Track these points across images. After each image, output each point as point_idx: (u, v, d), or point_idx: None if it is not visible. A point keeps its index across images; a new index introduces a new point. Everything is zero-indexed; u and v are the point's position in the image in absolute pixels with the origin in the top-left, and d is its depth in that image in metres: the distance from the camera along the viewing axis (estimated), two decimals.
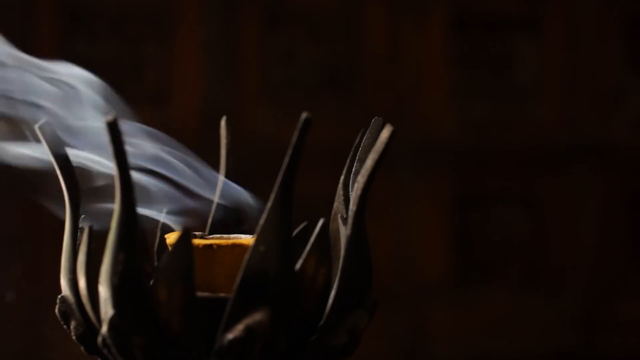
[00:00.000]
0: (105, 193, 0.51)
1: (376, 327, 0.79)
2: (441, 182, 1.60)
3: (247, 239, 0.53)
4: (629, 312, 1.64)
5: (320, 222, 0.50)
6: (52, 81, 0.56)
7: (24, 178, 0.58)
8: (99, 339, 0.49)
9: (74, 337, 0.53)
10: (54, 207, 0.55)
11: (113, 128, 0.47)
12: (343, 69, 1.57)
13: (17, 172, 0.57)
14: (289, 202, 0.48)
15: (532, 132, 1.62)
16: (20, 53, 0.56)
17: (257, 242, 0.48)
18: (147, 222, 0.55)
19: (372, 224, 0.56)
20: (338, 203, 0.55)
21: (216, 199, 0.58)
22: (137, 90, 1.50)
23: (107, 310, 0.48)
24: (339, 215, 0.54)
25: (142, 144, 0.56)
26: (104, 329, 0.48)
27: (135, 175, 0.50)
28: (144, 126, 0.57)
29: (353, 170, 0.54)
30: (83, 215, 0.53)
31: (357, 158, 0.54)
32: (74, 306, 0.52)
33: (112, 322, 0.48)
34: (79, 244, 0.52)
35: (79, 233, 0.53)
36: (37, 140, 0.54)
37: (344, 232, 0.52)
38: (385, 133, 0.50)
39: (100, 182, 0.55)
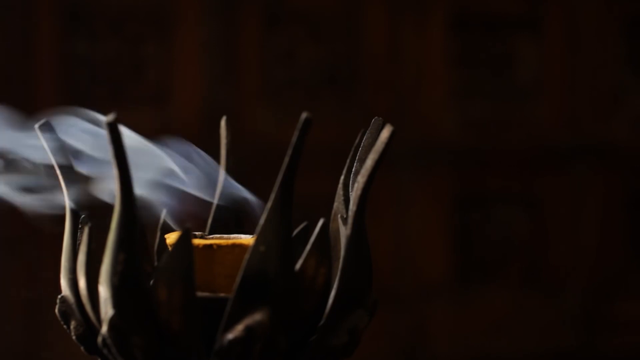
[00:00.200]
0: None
1: (376, 327, 0.79)
2: (441, 182, 1.60)
3: (247, 239, 0.53)
4: (629, 312, 1.64)
5: (320, 222, 0.50)
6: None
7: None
8: (99, 339, 0.49)
9: (74, 337, 0.53)
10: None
11: (113, 128, 0.47)
12: (343, 69, 1.57)
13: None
14: (289, 202, 0.48)
15: (532, 132, 1.62)
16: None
17: (257, 242, 0.48)
18: (147, 222, 0.55)
19: (372, 224, 0.56)
20: (338, 203, 0.55)
21: (216, 199, 0.58)
22: (137, 90, 1.50)
23: (107, 310, 0.48)
24: (339, 215, 0.54)
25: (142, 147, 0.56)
26: (104, 329, 0.48)
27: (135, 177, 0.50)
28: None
29: (353, 170, 0.54)
30: (83, 215, 0.53)
31: (357, 158, 0.54)
32: (74, 306, 0.52)
33: (112, 322, 0.48)
34: (79, 244, 0.52)
35: (79, 233, 0.53)
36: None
37: (344, 232, 0.52)
38: (385, 133, 0.50)
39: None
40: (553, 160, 1.63)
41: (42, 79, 1.46)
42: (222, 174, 0.59)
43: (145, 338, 0.48)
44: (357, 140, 0.55)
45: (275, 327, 0.48)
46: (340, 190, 0.55)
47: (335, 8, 1.57)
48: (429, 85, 1.59)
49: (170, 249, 0.50)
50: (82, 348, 0.53)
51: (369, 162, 0.50)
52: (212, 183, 0.58)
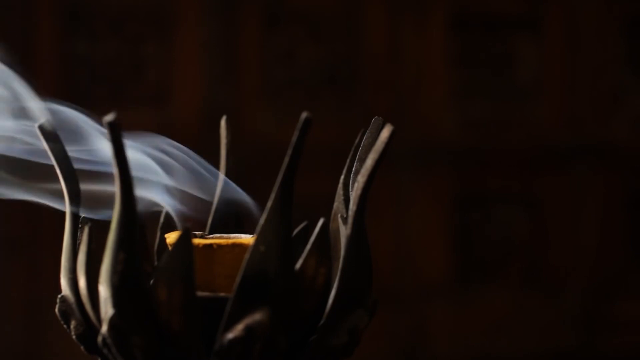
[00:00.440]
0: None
1: (376, 327, 0.79)
2: (441, 182, 1.60)
3: (247, 239, 0.53)
4: (629, 312, 1.64)
5: (320, 222, 0.50)
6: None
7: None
8: (99, 339, 0.49)
9: (74, 337, 0.53)
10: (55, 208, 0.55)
11: (113, 128, 0.47)
12: (343, 69, 1.57)
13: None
14: (289, 202, 0.48)
15: (532, 132, 1.62)
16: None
17: (257, 242, 0.48)
18: (147, 222, 0.55)
19: (372, 224, 0.56)
20: (338, 203, 0.55)
21: (216, 199, 0.58)
22: (137, 90, 1.50)
23: (107, 309, 0.48)
24: (339, 215, 0.54)
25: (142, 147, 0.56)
26: (104, 328, 0.48)
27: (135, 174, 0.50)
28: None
29: (353, 170, 0.54)
30: (83, 215, 0.53)
31: (357, 158, 0.54)
32: (74, 306, 0.52)
33: (112, 322, 0.48)
34: (79, 244, 0.52)
35: (79, 233, 0.53)
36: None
37: (344, 232, 0.52)
38: (385, 133, 0.50)
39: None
40: (553, 160, 1.63)
41: (42, 79, 1.46)
42: (221, 174, 0.59)
43: (145, 338, 0.48)
44: (357, 140, 0.55)
45: (275, 327, 0.48)
46: (340, 190, 0.55)
47: (335, 8, 1.57)
48: (429, 85, 1.59)
49: (170, 248, 0.50)
50: (82, 347, 0.53)
51: (369, 161, 0.50)
52: (211, 183, 0.58)
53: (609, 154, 1.64)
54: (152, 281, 0.49)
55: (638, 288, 1.65)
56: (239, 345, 0.48)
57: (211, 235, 0.55)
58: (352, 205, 0.51)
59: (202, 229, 0.58)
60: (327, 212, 0.54)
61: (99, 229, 0.51)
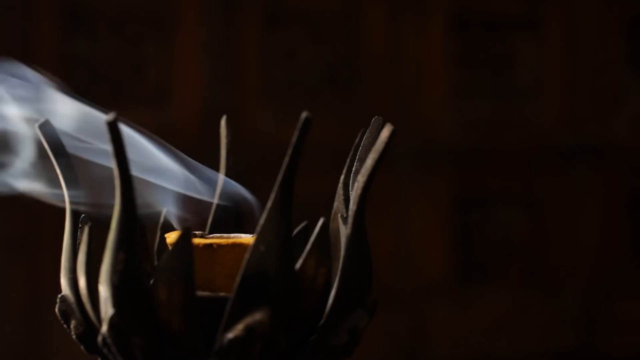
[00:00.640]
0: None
1: (376, 327, 0.79)
2: (441, 182, 1.60)
3: (247, 239, 0.53)
4: (629, 312, 1.64)
5: (320, 221, 0.50)
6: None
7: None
8: (99, 339, 0.49)
9: (74, 337, 0.53)
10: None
11: (113, 128, 0.47)
12: (343, 69, 1.57)
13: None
14: (289, 202, 0.48)
15: (532, 132, 1.62)
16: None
17: (257, 242, 0.48)
18: (147, 222, 0.55)
19: (372, 223, 0.56)
20: (338, 203, 0.55)
21: (216, 198, 0.58)
22: (137, 90, 1.50)
23: (107, 309, 0.48)
24: (339, 215, 0.54)
25: (141, 147, 0.56)
26: (104, 328, 0.48)
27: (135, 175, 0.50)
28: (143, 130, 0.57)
29: (353, 169, 0.54)
30: (83, 215, 0.53)
31: (357, 158, 0.54)
32: (74, 305, 0.52)
33: (112, 322, 0.48)
34: (79, 244, 0.52)
35: (79, 233, 0.53)
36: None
37: (344, 231, 0.52)
38: (386, 132, 0.50)
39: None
40: (553, 160, 1.63)
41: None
42: (221, 173, 0.59)
43: (145, 338, 0.48)
44: (357, 140, 0.55)
45: (275, 327, 0.48)
46: (340, 190, 0.55)
47: (335, 8, 1.57)
48: (429, 85, 1.59)
49: (170, 248, 0.50)
50: (82, 347, 0.53)
51: (369, 161, 0.50)
52: (210, 183, 0.58)
53: (609, 154, 1.64)
54: (152, 281, 0.49)
55: (638, 288, 1.65)
56: (239, 345, 0.48)
57: (211, 235, 0.55)
58: (352, 205, 0.51)
59: (202, 229, 0.58)
60: (327, 212, 0.54)
61: (99, 229, 0.51)
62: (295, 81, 1.56)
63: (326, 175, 0.89)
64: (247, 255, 0.48)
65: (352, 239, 0.51)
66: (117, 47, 1.51)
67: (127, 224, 0.48)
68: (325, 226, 0.50)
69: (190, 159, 0.57)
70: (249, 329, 0.48)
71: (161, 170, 0.56)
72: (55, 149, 0.54)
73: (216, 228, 0.58)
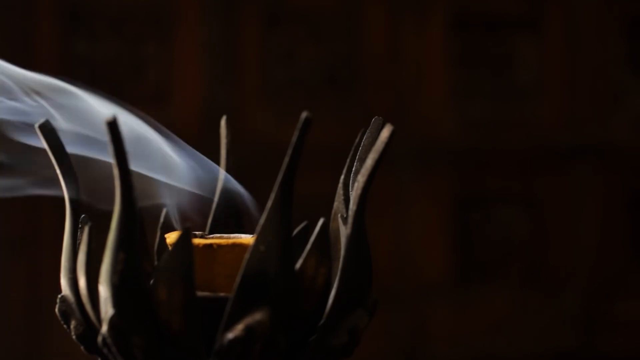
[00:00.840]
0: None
1: (376, 327, 0.79)
2: (441, 182, 1.60)
3: (247, 239, 0.53)
4: (629, 312, 1.64)
5: (320, 222, 0.50)
6: None
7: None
8: (99, 339, 0.49)
9: (74, 337, 0.53)
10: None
11: (113, 128, 0.47)
12: (343, 69, 1.57)
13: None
14: (289, 202, 0.48)
15: (532, 132, 1.62)
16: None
17: (257, 242, 0.48)
18: (147, 221, 0.55)
19: (372, 223, 0.56)
20: (338, 203, 0.55)
21: (216, 198, 0.58)
22: (137, 90, 1.50)
23: (107, 309, 0.48)
24: (339, 215, 0.54)
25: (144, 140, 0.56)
26: (104, 328, 0.48)
27: (136, 172, 0.50)
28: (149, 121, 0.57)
29: (353, 169, 0.54)
30: (83, 215, 0.53)
31: (357, 158, 0.54)
32: (74, 306, 0.52)
33: (112, 322, 0.48)
34: (79, 244, 0.52)
35: (79, 233, 0.53)
36: None
37: (344, 231, 0.52)
38: (385, 132, 0.50)
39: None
40: (553, 160, 1.63)
41: None
42: (221, 172, 0.59)
43: (145, 338, 0.48)
44: (357, 140, 0.55)
45: (275, 327, 0.48)
46: (340, 190, 0.55)
47: (335, 8, 1.57)
48: (429, 85, 1.59)
49: (170, 248, 0.50)
50: (82, 347, 0.53)
51: (369, 161, 0.50)
52: (210, 181, 0.58)
53: (609, 154, 1.64)
54: (152, 281, 0.49)
55: (638, 288, 1.65)
56: (239, 345, 0.48)
57: (211, 235, 0.55)
58: (352, 205, 0.51)
59: (202, 229, 0.58)
60: (327, 212, 0.54)
61: (99, 229, 0.51)
62: (295, 81, 1.56)
63: (326, 175, 0.89)
64: (247, 255, 0.48)
65: (352, 239, 0.51)
66: (117, 47, 1.51)
67: (127, 224, 0.48)
68: (325, 226, 0.50)
69: (191, 149, 0.57)
70: (249, 329, 0.48)
71: (163, 163, 0.56)
72: (55, 149, 0.54)
73: (216, 228, 0.58)
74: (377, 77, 1.58)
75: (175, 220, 0.56)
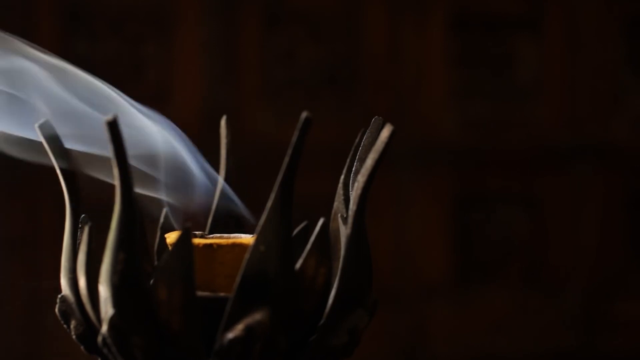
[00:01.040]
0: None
1: (376, 327, 0.79)
2: (441, 182, 1.60)
3: (247, 239, 0.53)
4: (629, 312, 1.64)
5: (320, 222, 0.50)
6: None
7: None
8: (99, 339, 0.49)
9: (74, 337, 0.53)
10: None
11: (113, 127, 0.47)
12: (343, 69, 1.57)
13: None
14: (289, 202, 0.48)
15: (532, 132, 1.62)
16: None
17: (257, 241, 0.48)
18: (147, 221, 0.55)
19: (372, 223, 0.56)
20: (338, 203, 0.55)
21: (216, 199, 0.58)
22: (137, 90, 1.50)
23: (107, 309, 0.48)
24: (339, 215, 0.54)
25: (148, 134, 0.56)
26: (104, 328, 0.48)
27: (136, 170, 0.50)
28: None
29: (353, 169, 0.54)
30: (83, 215, 0.53)
31: (357, 158, 0.54)
32: (74, 306, 0.52)
33: (112, 322, 0.48)
34: (79, 244, 0.52)
35: (79, 232, 0.53)
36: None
37: (344, 231, 0.52)
38: (386, 132, 0.50)
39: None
40: (553, 160, 1.63)
41: None
42: (221, 173, 0.59)
43: (145, 338, 0.48)
44: (357, 140, 0.55)
45: (275, 327, 0.48)
46: (340, 190, 0.55)
47: (335, 8, 1.57)
48: (429, 85, 1.59)
49: (170, 248, 0.50)
50: (82, 347, 0.53)
51: (369, 161, 0.50)
52: (210, 184, 0.58)
53: (609, 154, 1.64)
54: (152, 281, 0.49)
55: (638, 288, 1.65)
56: (239, 345, 0.48)
57: (211, 235, 0.55)
58: (352, 205, 0.51)
59: (202, 229, 0.58)
60: (327, 212, 0.54)
61: (99, 229, 0.51)
62: (295, 81, 1.56)
63: (326, 175, 0.89)
64: (247, 255, 0.48)
65: (352, 239, 0.51)
66: (117, 47, 1.51)
67: (127, 224, 0.48)
68: (325, 226, 0.50)
69: (192, 151, 0.57)
70: (249, 329, 0.48)
71: (163, 161, 0.56)
72: (55, 149, 0.54)
73: (216, 228, 0.58)
74: (377, 77, 1.58)
75: (175, 220, 0.56)
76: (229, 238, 0.53)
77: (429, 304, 1.59)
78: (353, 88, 1.57)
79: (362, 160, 0.53)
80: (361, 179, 0.51)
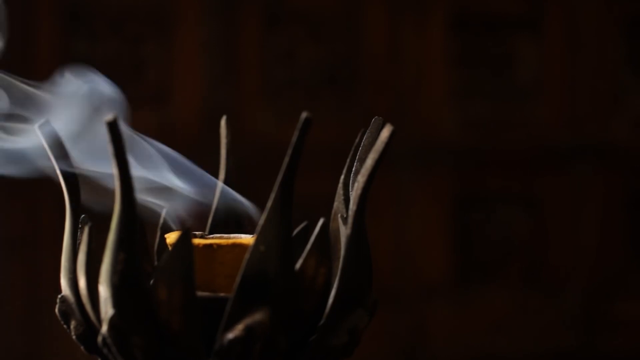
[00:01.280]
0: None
1: (376, 327, 0.79)
2: (441, 182, 1.60)
3: (247, 239, 0.53)
4: (629, 312, 1.64)
5: (320, 222, 0.50)
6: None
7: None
8: (99, 339, 0.49)
9: (74, 337, 0.53)
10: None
11: (113, 128, 0.47)
12: (343, 69, 1.57)
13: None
14: (289, 202, 0.48)
15: (532, 132, 1.62)
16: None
17: (257, 242, 0.48)
18: (147, 221, 0.55)
19: (372, 223, 0.56)
20: (338, 203, 0.55)
21: (215, 199, 0.58)
22: (137, 90, 1.50)
23: (107, 309, 0.48)
24: (339, 215, 0.54)
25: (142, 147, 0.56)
26: (104, 328, 0.48)
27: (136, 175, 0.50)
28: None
29: (353, 169, 0.54)
30: (83, 215, 0.53)
31: (357, 158, 0.54)
32: (74, 306, 0.52)
33: (112, 322, 0.48)
34: (79, 244, 0.52)
35: (79, 233, 0.53)
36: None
37: (344, 231, 0.52)
38: (385, 133, 0.50)
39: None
40: (553, 160, 1.63)
41: (42, 79, 1.46)
42: (221, 174, 0.59)
43: (145, 338, 0.48)
44: (357, 140, 0.55)
45: (275, 327, 0.48)
46: (340, 190, 0.55)
47: (335, 8, 1.57)
48: (429, 85, 1.59)
49: (170, 248, 0.50)
50: (82, 348, 0.53)
51: (369, 161, 0.50)
52: (208, 189, 0.58)
53: (609, 154, 1.64)
54: (152, 281, 0.49)
55: (638, 288, 1.65)
56: (239, 345, 0.48)
57: (211, 235, 0.55)
58: (352, 205, 0.51)
59: (202, 229, 0.58)
60: (327, 212, 0.54)
61: (99, 229, 0.51)
62: (295, 81, 1.56)
63: (326, 175, 0.89)
64: (247, 255, 0.48)
65: (352, 239, 0.51)
66: (117, 47, 1.51)
67: (127, 224, 0.48)
68: (325, 226, 0.50)
69: (188, 162, 0.57)
70: (249, 329, 0.48)
71: (161, 171, 0.56)
72: (55, 150, 0.54)
73: (216, 228, 0.58)
74: (377, 77, 1.58)
75: (175, 220, 0.56)
76: (229, 238, 0.53)
77: (429, 304, 1.59)
78: (353, 88, 1.57)
79: (362, 161, 0.53)
80: (361, 179, 0.51)
